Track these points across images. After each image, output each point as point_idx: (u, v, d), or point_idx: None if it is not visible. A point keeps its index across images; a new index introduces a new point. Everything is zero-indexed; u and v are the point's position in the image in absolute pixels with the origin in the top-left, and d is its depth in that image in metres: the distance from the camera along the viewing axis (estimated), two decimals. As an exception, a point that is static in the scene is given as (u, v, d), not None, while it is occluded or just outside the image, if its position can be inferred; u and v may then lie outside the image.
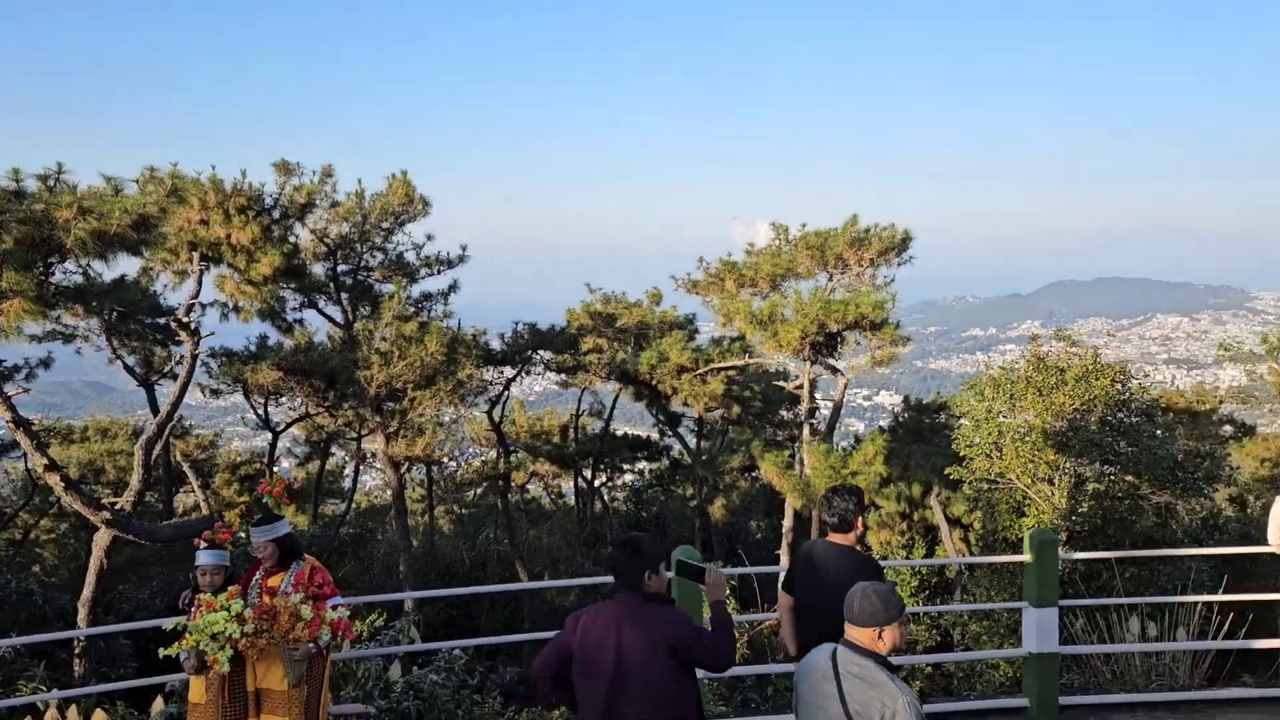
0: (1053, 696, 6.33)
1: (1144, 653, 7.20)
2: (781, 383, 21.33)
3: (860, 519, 4.50)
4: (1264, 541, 6.73)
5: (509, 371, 21.30)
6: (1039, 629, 6.22)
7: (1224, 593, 8.69)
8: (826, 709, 3.47)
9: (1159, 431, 16.62)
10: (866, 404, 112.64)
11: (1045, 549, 6.26)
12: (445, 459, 22.51)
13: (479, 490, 26.73)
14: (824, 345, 16.57)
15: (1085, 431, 15.42)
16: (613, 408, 24.53)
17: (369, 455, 19.92)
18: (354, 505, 24.13)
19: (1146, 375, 18.11)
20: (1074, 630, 7.76)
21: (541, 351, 21.30)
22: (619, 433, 25.92)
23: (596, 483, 25.70)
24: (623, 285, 25.57)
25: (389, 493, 21.69)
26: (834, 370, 17.81)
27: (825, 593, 4.44)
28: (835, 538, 4.54)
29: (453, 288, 17.75)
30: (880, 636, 3.46)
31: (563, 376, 23.16)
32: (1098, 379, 15.67)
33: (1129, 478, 15.87)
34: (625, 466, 27.06)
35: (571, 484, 26.20)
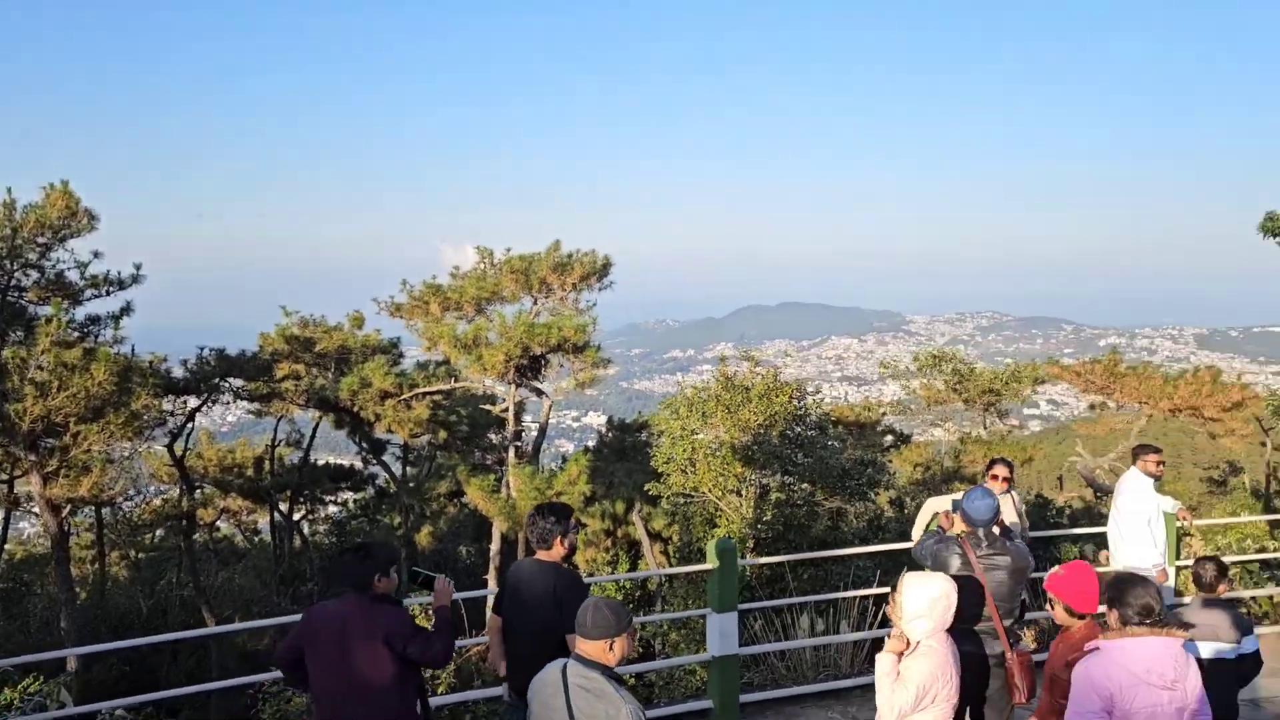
0: (734, 696, 6.81)
1: (813, 647, 7.90)
2: (488, 406, 21.39)
3: (562, 537, 4.60)
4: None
5: (193, 401, 19.77)
6: (721, 633, 6.68)
7: (879, 586, 9.71)
8: None
9: (831, 443, 18.35)
10: (575, 425, 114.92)
11: (726, 557, 6.74)
12: (119, 499, 20.42)
13: (159, 532, 24.50)
14: (528, 368, 16.82)
15: (768, 444, 16.72)
16: (313, 437, 23.44)
17: (23, 499, 17.66)
18: (5, 556, 21.30)
19: (819, 391, 19.93)
20: (754, 631, 8.38)
21: (231, 379, 19.97)
22: (320, 462, 24.78)
23: (295, 516, 24.39)
24: (325, 309, 24.43)
25: (48, 540, 19.38)
26: (539, 393, 18.10)
27: (530, 611, 4.59)
28: (541, 555, 4.65)
29: (125, 310, 16.14)
30: (611, 648, 3.59)
31: (256, 405, 21.82)
32: (778, 396, 17.06)
33: (805, 486, 17.39)
34: (327, 498, 25.87)
35: (268, 519, 24.67)
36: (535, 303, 18.62)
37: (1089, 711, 3.57)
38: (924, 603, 4.08)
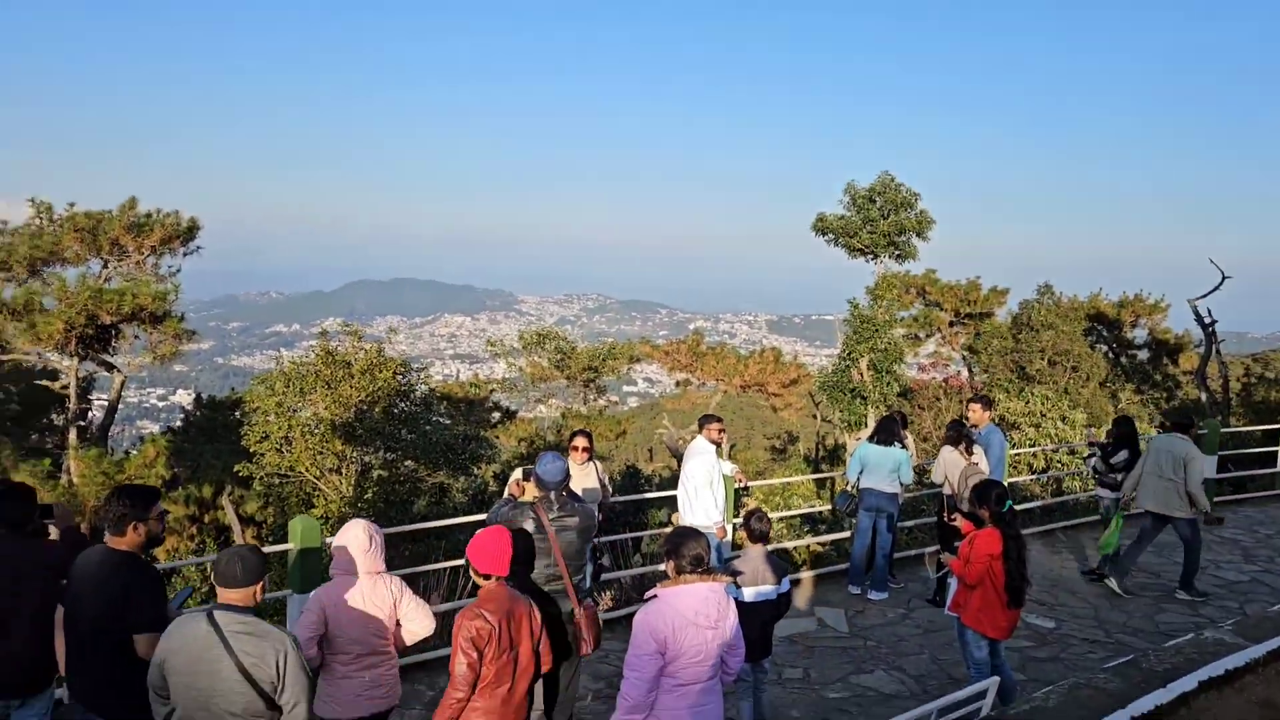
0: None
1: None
2: (46, 382, 18.80)
3: (138, 523, 4.19)
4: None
5: None
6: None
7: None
8: (217, 673, 3.56)
9: (437, 419, 18.36)
10: (162, 404, 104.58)
11: (309, 534, 6.49)
12: None
13: None
14: (95, 339, 15.03)
15: (370, 421, 16.37)
16: None
17: None
18: None
19: (427, 368, 19.82)
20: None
21: None
22: None
23: None
24: None
25: None
26: (110, 367, 16.25)
27: (88, 603, 4.12)
28: (113, 542, 4.21)
29: None
30: (257, 593, 3.72)
31: None
32: (381, 372, 16.74)
33: (409, 462, 17.25)
34: None
35: None
36: (106, 266, 16.68)
37: (645, 654, 3.92)
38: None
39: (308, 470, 16.30)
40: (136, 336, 15.45)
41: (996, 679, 4.57)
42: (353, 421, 16.27)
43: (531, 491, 4.95)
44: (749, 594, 5.55)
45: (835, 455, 27.82)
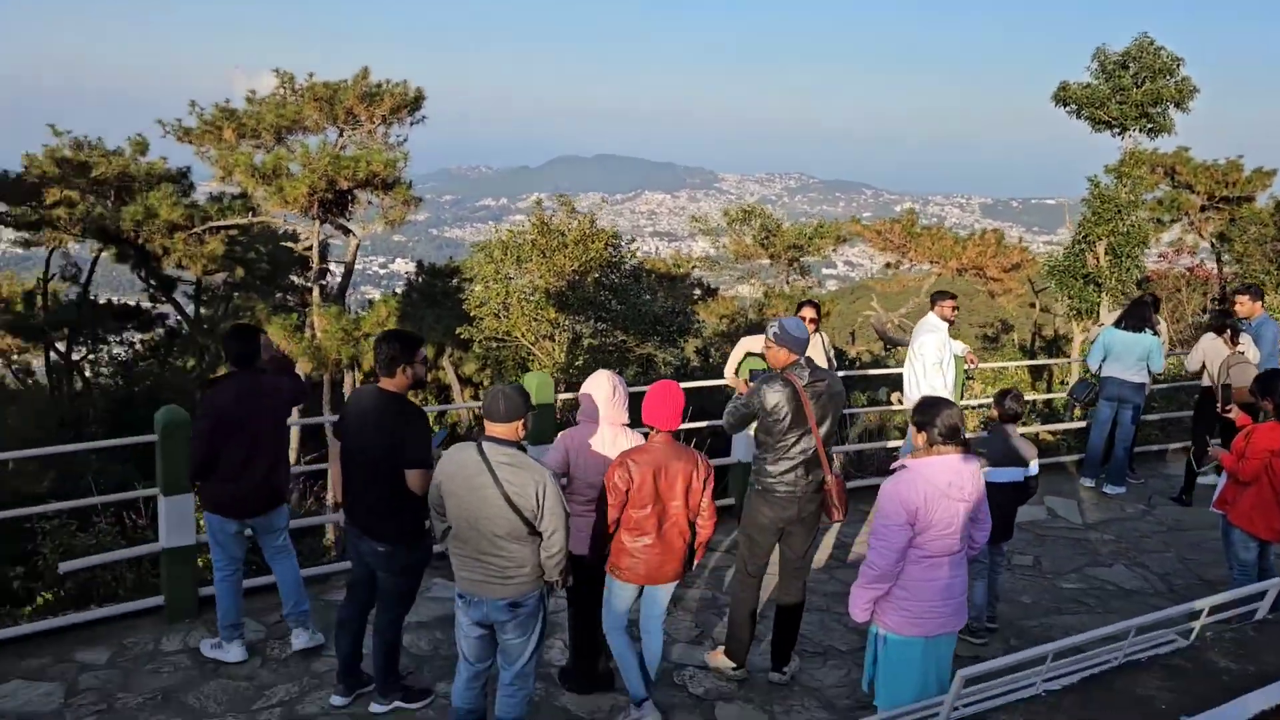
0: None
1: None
2: (290, 244, 20.22)
3: (407, 365, 4.41)
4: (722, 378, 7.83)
5: (-54, 224, 17.68)
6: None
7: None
8: (484, 498, 3.84)
9: (644, 294, 18.54)
10: (383, 271, 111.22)
11: (542, 389, 6.55)
12: None
13: (-89, 371, 22.19)
14: (334, 204, 15.88)
15: (582, 290, 16.72)
16: (91, 271, 21.53)
17: None
18: None
19: (635, 243, 19.96)
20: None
21: (-10, 202, 17.93)
22: (101, 300, 22.89)
23: (75, 357, 22.57)
24: (103, 134, 21.96)
25: None
26: (345, 231, 17.21)
27: (366, 439, 4.42)
28: (384, 383, 4.45)
29: None
30: (521, 428, 3.95)
31: (23, 235, 19.75)
32: (594, 243, 16.99)
33: (618, 333, 17.59)
34: (111, 338, 24.01)
35: (42, 360, 22.71)
36: (341, 135, 17.47)
37: (895, 524, 3.80)
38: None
39: (523, 336, 16.93)
40: (370, 202, 16.23)
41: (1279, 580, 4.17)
42: (566, 290, 16.67)
43: (780, 357, 4.76)
44: (996, 474, 5.29)
45: (1054, 346, 26.28)
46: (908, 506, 3.79)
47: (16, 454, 5.91)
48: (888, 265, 26.30)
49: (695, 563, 4.69)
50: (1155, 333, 8.16)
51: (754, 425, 4.86)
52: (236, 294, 23.95)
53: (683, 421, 4.61)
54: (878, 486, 8.07)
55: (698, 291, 30.16)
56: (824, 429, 4.74)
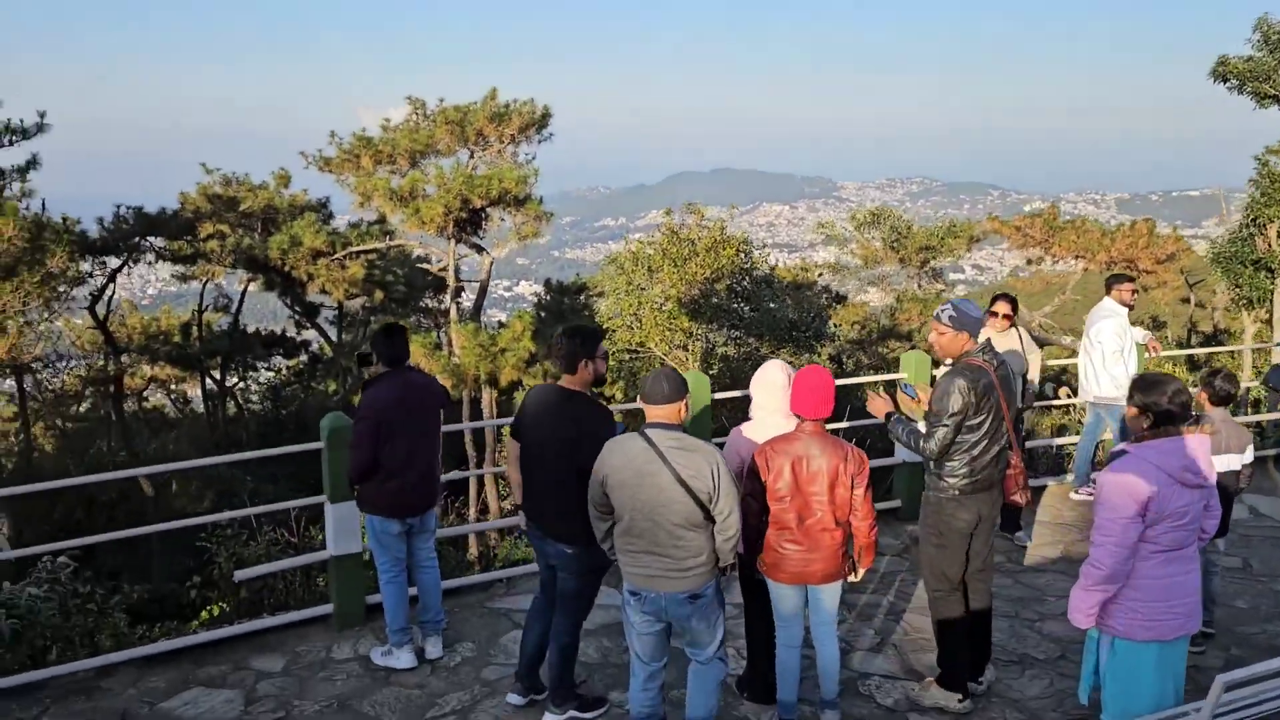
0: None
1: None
2: (425, 265, 20.68)
3: (588, 360, 4.29)
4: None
5: (113, 262, 18.75)
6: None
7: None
8: (658, 485, 3.70)
9: (776, 300, 18.21)
10: (508, 295, 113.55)
11: (699, 389, 6.36)
12: (38, 366, 19.47)
13: (86, 404, 23.60)
14: (468, 223, 16.18)
15: (715, 298, 16.52)
16: (241, 301, 22.56)
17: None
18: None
19: (765, 247, 19.64)
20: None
21: (152, 238, 18.93)
22: (250, 329, 23.95)
23: (228, 384, 23.66)
24: (248, 170, 23.11)
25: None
26: (479, 249, 17.51)
27: (546, 436, 4.32)
28: (564, 381, 4.35)
29: (31, 163, 14.99)
30: (682, 410, 3.83)
31: (180, 268, 20.82)
32: (725, 249, 16.78)
33: (752, 340, 17.30)
34: (260, 365, 25.10)
35: (199, 388, 23.89)
36: (472, 156, 17.81)
37: (1124, 517, 3.40)
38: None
39: (657, 346, 16.82)
40: (502, 219, 16.45)
41: None
42: (698, 298, 16.51)
43: (959, 343, 4.41)
44: (1218, 463, 4.78)
45: (1213, 341, 24.63)
46: (1138, 496, 3.39)
47: (184, 465, 6.08)
48: (1029, 262, 25.17)
49: (862, 569, 4.32)
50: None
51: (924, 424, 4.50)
52: (375, 317, 24.72)
53: (832, 418, 4.33)
54: (1044, 488, 7.61)
55: (824, 298, 29.57)
56: (1011, 410, 4.40)
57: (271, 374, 25.07)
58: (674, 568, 3.78)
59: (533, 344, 16.36)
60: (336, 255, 18.98)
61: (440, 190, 15.53)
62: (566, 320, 23.35)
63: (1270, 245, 15.57)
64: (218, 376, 22.70)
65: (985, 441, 4.30)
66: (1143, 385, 3.57)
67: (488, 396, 16.70)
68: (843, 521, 4.20)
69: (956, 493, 4.37)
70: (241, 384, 25.41)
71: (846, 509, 4.18)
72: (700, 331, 16.97)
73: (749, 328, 17.19)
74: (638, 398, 3.97)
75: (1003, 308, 6.63)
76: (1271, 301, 15.70)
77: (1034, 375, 6.87)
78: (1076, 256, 23.09)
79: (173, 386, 25.90)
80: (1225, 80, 16.05)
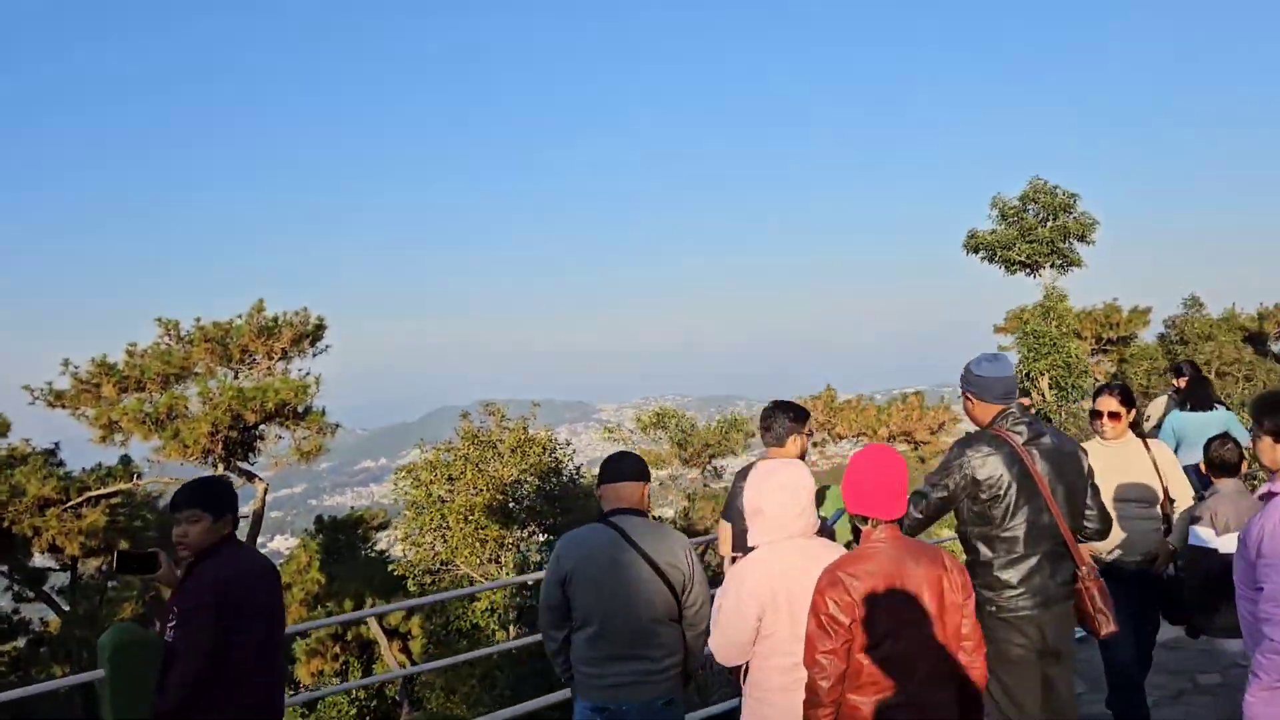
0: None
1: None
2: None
3: (798, 434, 4.13)
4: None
5: None
6: None
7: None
8: (636, 577, 3.26)
9: (589, 501, 17.19)
10: (264, 549, 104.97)
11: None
12: None
13: None
14: (240, 444, 14.30)
15: (525, 500, 15.30)
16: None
17: None
18: None
19: (570, 444, 18.70)
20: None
21: None
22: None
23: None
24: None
25: None
26: (250, 477, 15.49)
27: None
28: (773, 453, 4.12)
29: None
30: (645, 492, 3.47)
31: None
32: (531, 448, 15.75)
33: (568, 546, 16.06)
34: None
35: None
36: (237, 376, 16.09)
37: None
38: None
39: (465, 561, 15.19)
40: (279, 437, 14.69)
41: None
42: (507, 503, 15.22)
43: (983, 412, 3.55)
44: (1226, 543, 4.12)
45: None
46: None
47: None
48: (814, 445, 25.83)
49: None
50: (1227, 406, 7.42)
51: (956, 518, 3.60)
52: (114, 581, 21.27)
53: None
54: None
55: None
56: (1060, 500, 3.49)
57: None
58: (651, 670, 3.29)
59: (321, 574, 14.31)
60: (71, 502, 16.19)
61: (207, 407, 13.67)
62: (342, 558, 21.08)
63: (1044, 396, 16.50)
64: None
65: (1021, 538, 3.41)
66: (1266, 407, 2.86)
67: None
68: (960, 665, 2.88)
69: (995, 609, 3.41)
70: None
71: (958, 639, 2.87)
72: (510, 540, 15.57)
73: (559, 532, 15.98)
74: (596, 484, 3.55)
75: (1108, 404, 4.56)
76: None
77: (1182, 503, 4.60)
78: (859, 435, 23.89)
79: None
80: (976, 251, 17.40)
